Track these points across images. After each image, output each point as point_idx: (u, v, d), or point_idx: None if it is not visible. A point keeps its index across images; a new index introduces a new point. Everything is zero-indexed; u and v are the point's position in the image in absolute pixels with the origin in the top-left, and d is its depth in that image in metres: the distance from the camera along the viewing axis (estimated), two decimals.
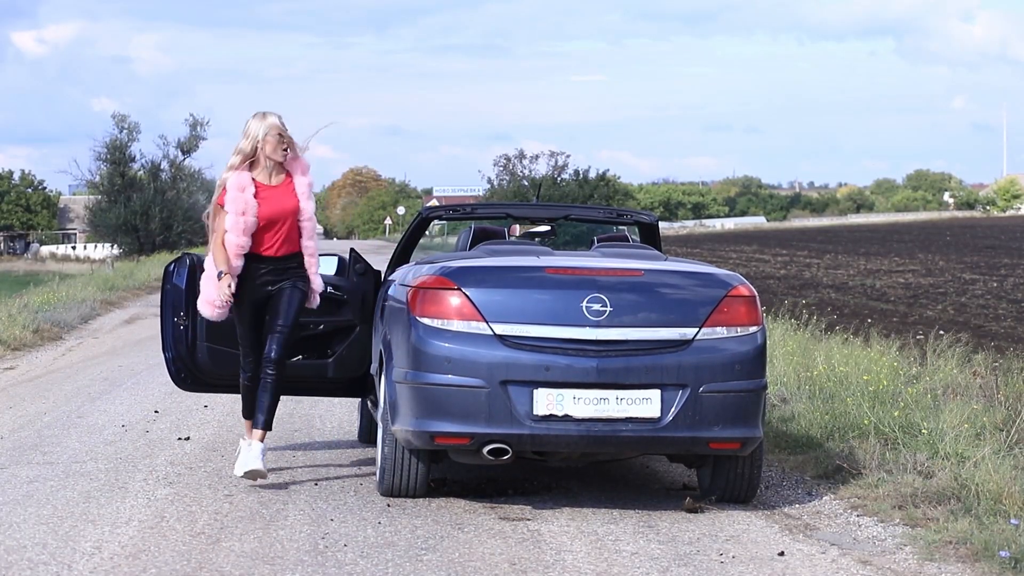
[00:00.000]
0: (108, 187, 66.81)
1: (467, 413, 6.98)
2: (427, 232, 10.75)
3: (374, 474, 8.14)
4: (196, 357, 8.44)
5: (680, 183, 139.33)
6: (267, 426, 7.88)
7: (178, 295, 8.41)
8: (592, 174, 76.99)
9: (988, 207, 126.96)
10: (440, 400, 7.02)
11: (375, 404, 8.22)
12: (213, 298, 7.89)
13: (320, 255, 9.19)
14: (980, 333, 18.46)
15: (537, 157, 77.67)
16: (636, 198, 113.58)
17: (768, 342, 9.73)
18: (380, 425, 7.60)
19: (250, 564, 6.07)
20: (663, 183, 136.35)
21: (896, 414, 8.99)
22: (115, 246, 67.34)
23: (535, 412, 6.97)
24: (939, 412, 9.07)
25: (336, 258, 8.95)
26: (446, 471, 8.28)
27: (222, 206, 7.91)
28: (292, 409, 11.07)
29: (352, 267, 8.62)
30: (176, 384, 8.62)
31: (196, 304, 8.28)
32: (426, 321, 7.13)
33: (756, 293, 7.41)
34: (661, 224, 9.93)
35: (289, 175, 7.97)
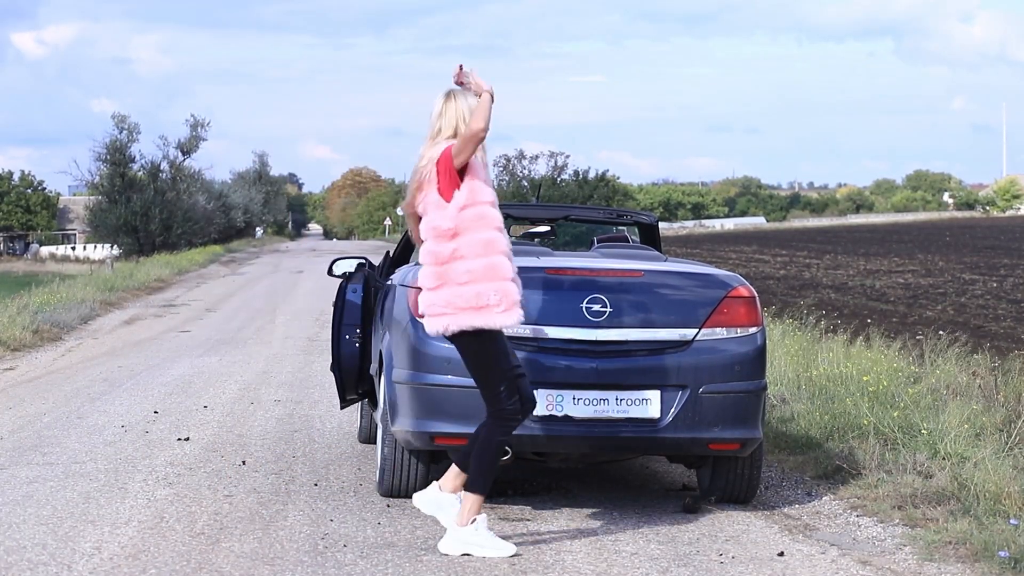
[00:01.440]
0: (108, 188, 66.78)
1: (467, 414, 6.97)
2: None
3: (374, 474, 8.14)
4: (366, 375, 8.42)
5: (680, 183, 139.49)
6: None
7: (353, 311, 8.41)
8: (592, 174, 77.00)
9: (988, 207, 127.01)
10: (440, 400, 7.01)
11: (375, 404, 8.22)
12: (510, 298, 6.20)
13: (344, 258, 9.28)
14: (980, 333, 18.46)
15: (537, 157, 77.69)
16: (636, 198, 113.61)
17: (768, 342, 9.72)
18: (380, 425, 7.60)
19: (250, 564, 6.07)
20: (663, 183, 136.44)
21: (896, 414, 8.99)
22: (115, 247, 67.31)
23: (535, 413, 6.96)
24: (939, 412, 9.07)
25: (362, 261, 9.17)
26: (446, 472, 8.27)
27: (462, 174, 6.29)
28: (292, 409, 11.07)
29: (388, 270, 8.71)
30: (342, 403, 8.58)
31: (370, 319, 8.11)
32: None
33: (756, 294, 7.41)
34: (661, 224, 9.94)
35: None
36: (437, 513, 6.43)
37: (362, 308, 8.38)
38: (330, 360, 8.59)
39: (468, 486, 6.34)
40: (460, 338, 6.27)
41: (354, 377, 8.41)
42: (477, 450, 6.33)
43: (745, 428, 7.14)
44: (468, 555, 6.29)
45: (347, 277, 8.57)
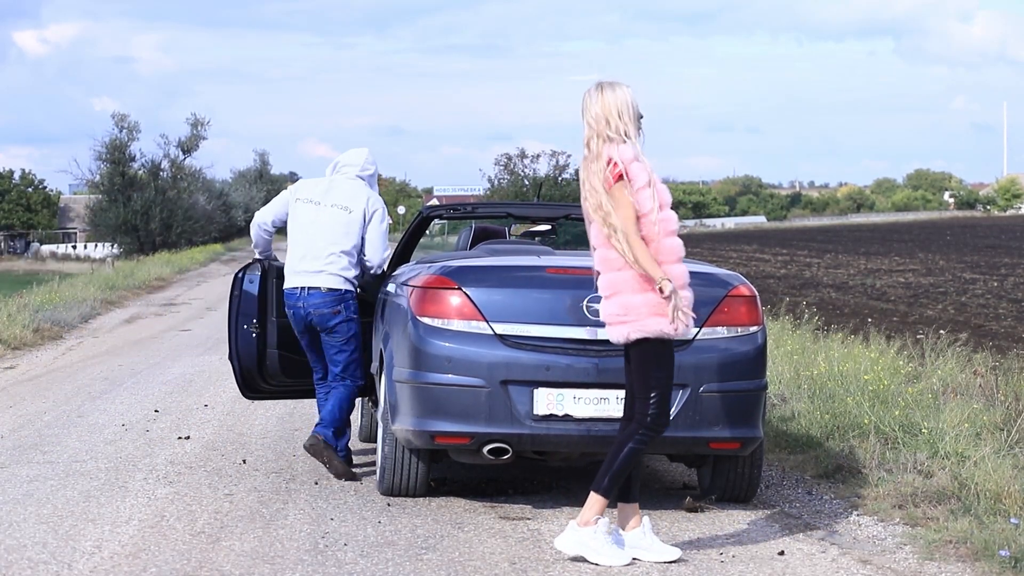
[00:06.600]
0: (108, 186, 66.84)
1: (467, 413, 6.97)
2: (427, 231, 10.75)
3: (374, 473, 8.14)
4: (266, 365, 8.46)
5: (680, 183, 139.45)
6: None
7: (250, 302, 8.46)
8: None
9: (988, 206, 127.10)
10: (440, 399, 7.01)
11: (375, 403, 8.22)
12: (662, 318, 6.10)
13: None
14: (980, 333, 18.45)
15: (538, 156, 77.61)
16: None
17: (768, 341, 9.71)
18: (380, 424, 7.60)
19: (250, 563, 6.07)
20: (663, 183, 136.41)
21: (896, 413, 8.99)
22: (115, 245, 67.35)
23: (535, 412, 6.97)
24: (939, 412, 9.07)
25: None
26: (446, 470, 8.28)
27: (625, 178, 6.12)
28: (292, 408, 11.07)
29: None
30: (243, 394, 8.65)
31: (267, 311, 8.26)
32: (426, 320, 7.12)
33: (757, 293, 7.41)
34: None
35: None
36: (583, 552, 6.16)
37: (259, 299, 8.46)
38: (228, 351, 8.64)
39: (594, 486, 6.17)
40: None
41: (254, 368, 8.45)
42: (611, 453, 6.16)
43: (745, 427, 7.13)
44: (582, 558, 6.14)
45: (244, 268, 8.61)
